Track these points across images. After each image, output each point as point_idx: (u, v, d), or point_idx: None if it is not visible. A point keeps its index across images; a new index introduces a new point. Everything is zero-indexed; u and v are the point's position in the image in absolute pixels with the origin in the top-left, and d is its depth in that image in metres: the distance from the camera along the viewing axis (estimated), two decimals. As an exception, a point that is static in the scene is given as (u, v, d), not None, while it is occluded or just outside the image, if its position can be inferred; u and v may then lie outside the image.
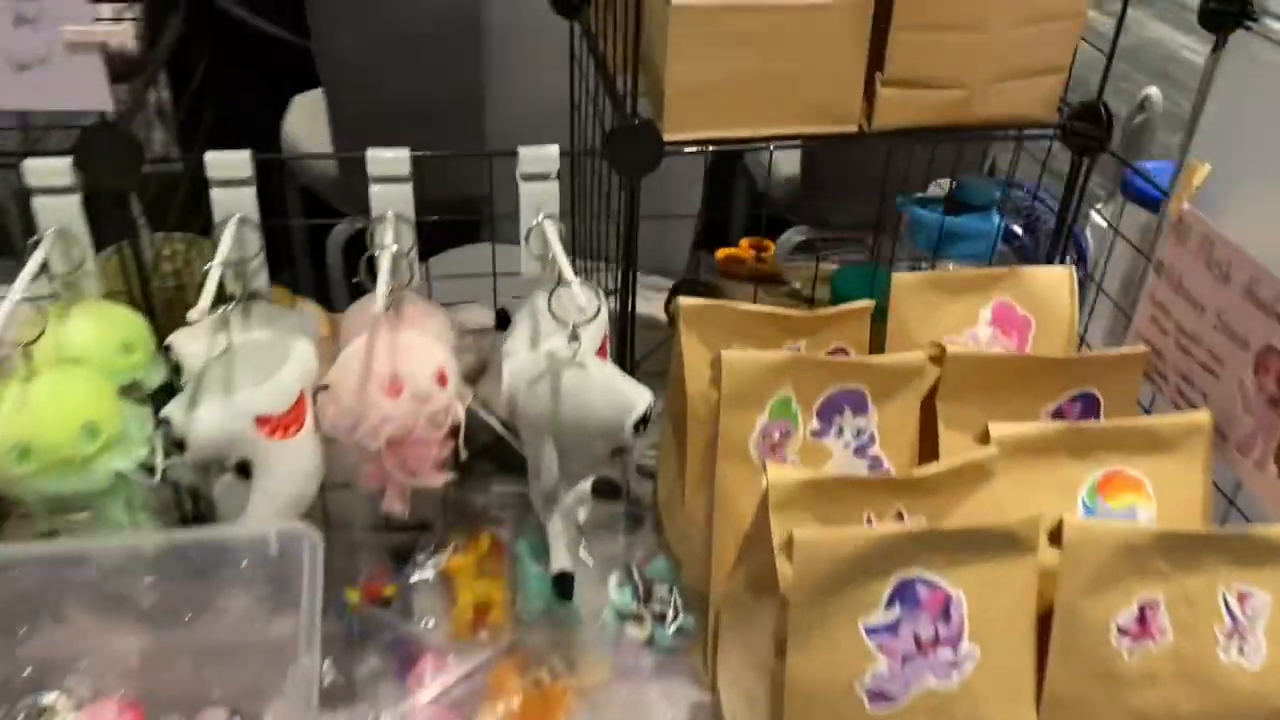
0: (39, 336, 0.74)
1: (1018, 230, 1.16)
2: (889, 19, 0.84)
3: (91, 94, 0.77)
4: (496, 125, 1.89)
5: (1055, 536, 0.69)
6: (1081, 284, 0.96)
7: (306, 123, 2.14)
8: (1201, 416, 0.79)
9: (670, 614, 0.91)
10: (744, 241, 1.40)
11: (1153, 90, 1.33)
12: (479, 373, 0.94)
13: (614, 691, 0.87)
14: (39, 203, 0.80)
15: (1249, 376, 0.76)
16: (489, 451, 0.95)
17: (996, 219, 1.00)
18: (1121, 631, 0.68)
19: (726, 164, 2.12)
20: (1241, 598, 0.69)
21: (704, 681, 0.86)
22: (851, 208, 1.18)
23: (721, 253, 1.41)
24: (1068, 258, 0.99)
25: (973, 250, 0.99)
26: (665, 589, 0.94)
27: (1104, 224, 1.14)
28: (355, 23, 2.14)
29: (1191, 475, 0.78)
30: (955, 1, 0.84)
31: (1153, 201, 1.02)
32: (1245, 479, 0.78)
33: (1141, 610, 0.68)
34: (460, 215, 1.00)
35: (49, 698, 0.77)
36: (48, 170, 0.79)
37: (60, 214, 0.80)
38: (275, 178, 1.77)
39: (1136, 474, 0.78)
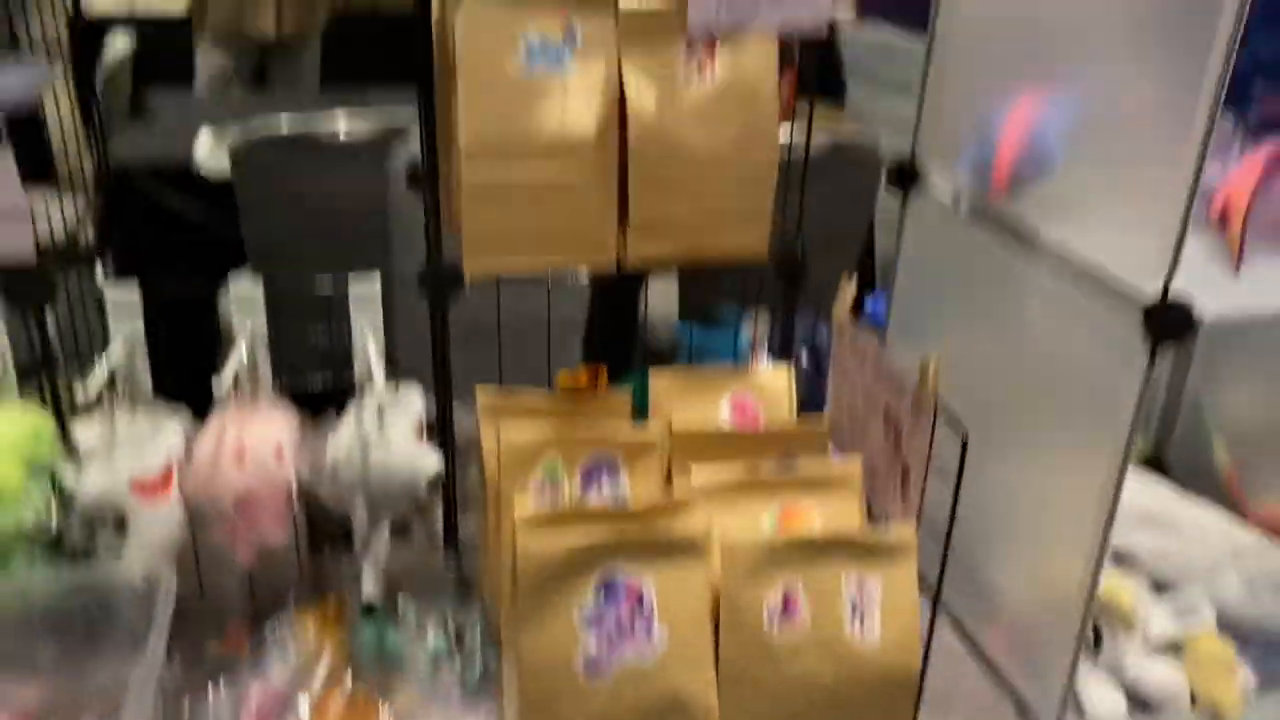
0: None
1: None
2: (627, 181, 1.14)
3: (18, 247, 1.04)
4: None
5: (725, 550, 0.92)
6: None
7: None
8: (853, 465, 1.04)
9: (477, 654, 1.13)
10: (582, 367, 1.66)
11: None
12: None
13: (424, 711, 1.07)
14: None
15: (880, 432, 1.02)
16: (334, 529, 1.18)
17: (739, 335, 1.28)
18: (771, 614, 0.91)
19: (623, 335, 2.42)
20: (859, 585, 0.92)
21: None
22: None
23: (561, 374, 1.66)
24: (793, 361, 1.26)
25: (719, 357, 1.27)
26: (474, 637, 1.15)
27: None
28: (279, 205, 2.47)
29: (849, 510, 1.03)
30: (674, 167, 1.14)
31: (872, 321, 1.31)
32: (886, 509, 1.03)
33: (785, 597, 0.92)
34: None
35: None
36: (-16, 301, 1.04)
37: (-8, 335, 1.06)
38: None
39: (810, 509, 1.03)
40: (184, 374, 1.19)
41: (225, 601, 1.16)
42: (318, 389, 1.33)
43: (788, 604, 0.92)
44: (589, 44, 1.12)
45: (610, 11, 1.13)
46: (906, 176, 1.27)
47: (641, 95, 1.12)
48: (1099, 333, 0.97)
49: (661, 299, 2.41)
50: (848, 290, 1.10)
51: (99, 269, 2.27)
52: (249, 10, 4.29)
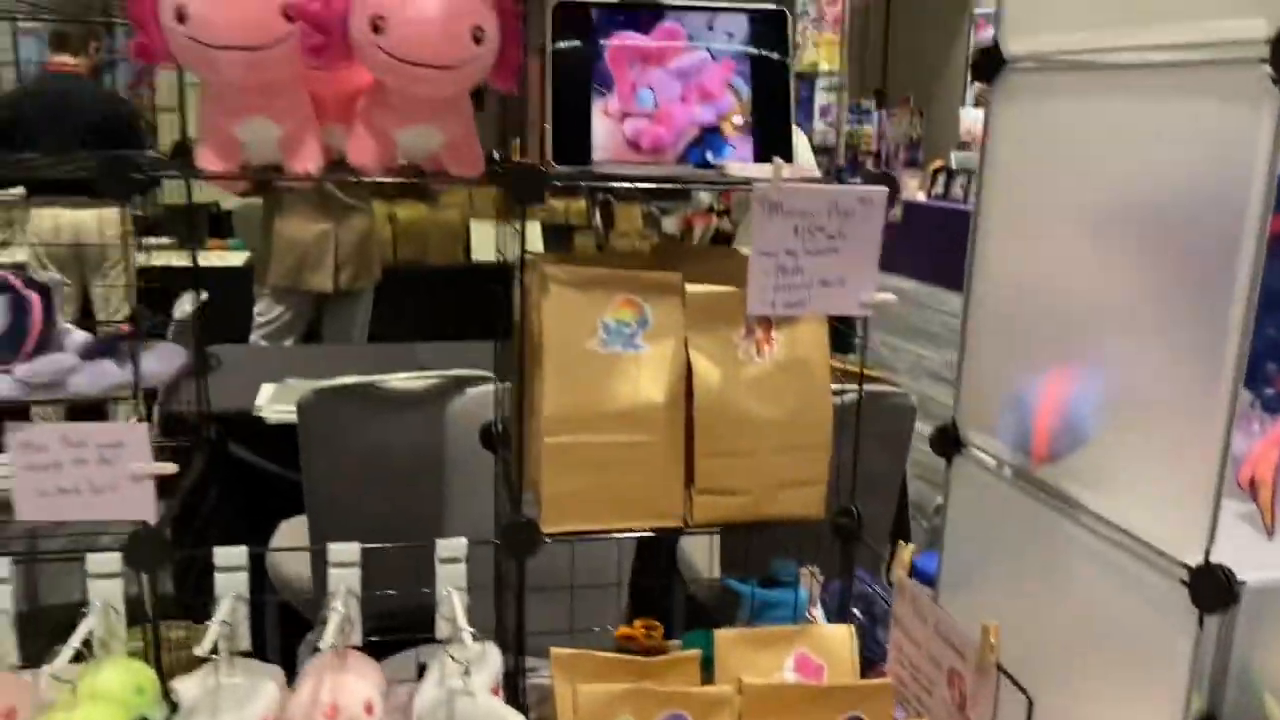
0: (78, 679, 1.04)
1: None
2: (693, 449, 1.24)
3: (144, 509, 1.14)
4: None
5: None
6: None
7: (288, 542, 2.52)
8: (922, 724, 1.08)
9: None
10: (638, 623, 1.71)
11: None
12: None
13: None
14: (92, 585, 1.14)
15: (945, 691, 1.07)
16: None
17: (800, 593, 1.34)
18: None
19: (666, 578, 2.48)
20: None
21: None
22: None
23: (620, 631, 1.71)
24: (850, 621, 1.31)
25: (780, 618, 1.32)
26: None
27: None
28: (339, 457, 2.59)
29: (918, 770, 1.06)
30: (736, 436, 1.24)
31: (922, 577, 1.37)
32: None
33: None
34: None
35: None
36: (104, 561, 1.13)
37: (107, 593, 1.14)
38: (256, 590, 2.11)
39: (879, 770, 1.05)
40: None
41: None
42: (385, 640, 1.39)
43: None
44: (658, 326, 1.26)
45: (677, 298, 1.27)
46: (949, 441, 1.36)
47: (707, 371, 1.24)
48: (1148, 597, 1.03)
49: (699, 552, 2.48)
50: (905, 552, 1.17)
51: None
52: (309, 268, 4.60)
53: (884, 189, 1.21)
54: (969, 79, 9.64)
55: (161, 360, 1.17)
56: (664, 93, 1.36)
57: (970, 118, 8.54)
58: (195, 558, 1.20)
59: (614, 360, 1.24)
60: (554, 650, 1.20)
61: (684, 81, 1.37)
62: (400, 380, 2.61)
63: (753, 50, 1.37)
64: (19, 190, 4.93)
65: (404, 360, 3.28)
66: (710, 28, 1.38)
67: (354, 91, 1.25)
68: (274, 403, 2.77)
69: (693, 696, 1.14)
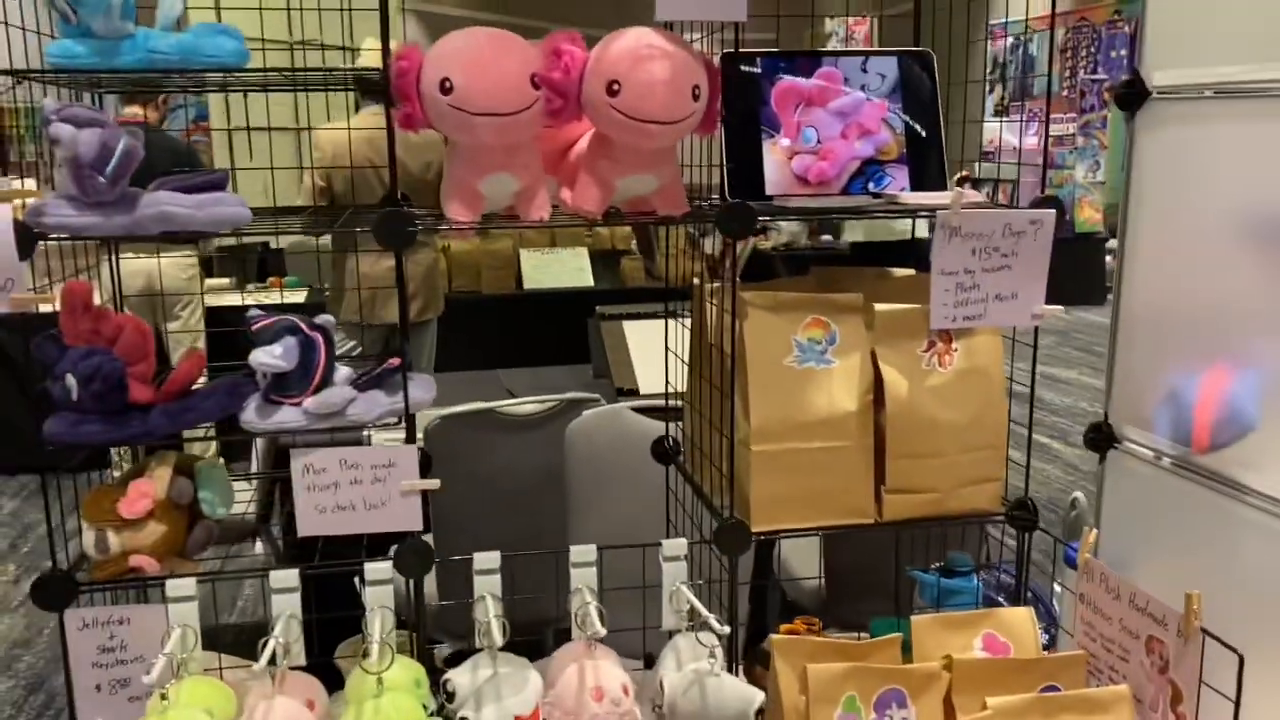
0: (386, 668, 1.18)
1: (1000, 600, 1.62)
2: (884, 452, 1.38)
3: (412, 521, 1.28)
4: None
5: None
6: (1053, 638, 1.41)
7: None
8: (1124, 689, 1.21)
9: None
10: (799, 620, 1.84)
11: (1079, 494, 1.86)
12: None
13: None
14: (370, 592, 1.28)
15: (1144, 657, 1.20)
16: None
17: (977, 581, 1.47)
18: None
19: (760, 578, 2.61)
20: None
21: None
22: (863, 606, 1.65)
23: (784, 628, 1.84)
24: (1026, 604, 1.45)
25: (963, 603, 1.46)
26: None
27: (1064, 590, 1.61)
28: (463, 479, 2.73)
29: (1125, 727, 1.19)
30: (923, 439, 1.38)
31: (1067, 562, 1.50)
32: (1160, 728, 1.19)
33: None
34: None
35: None
36: (380, 570, 1.28)
37: (383, 598, 1.28)
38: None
39: (1089, 729, 1.19)
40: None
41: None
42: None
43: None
44: (845, 342, 1.40)
45: (859, 317, 1.41)
46: (1103, 438, 1.50)
47: (895, 381, 1.38)
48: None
49: (795, 556, 2.62)
50: (1091, 537, 1.30)
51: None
52: (381, 301, 4.76)
53: (1053, 211, 1.35)
54: (987, 89, 9.85)
55: (421, 389, 1.32)
56: (826, 130, 1.51)
57: (991, 129, 8.72)
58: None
59: (808, 375, 1.38)
60: (774, 636, 1.33)
61: (844, 120, 1.52)
62: (518, 405, 2.75)
63: (903, 88, 1.51)
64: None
65: (491, 385, 3.43)
66: (864, 69, 1.53)
67: (564, 146, 1.41)
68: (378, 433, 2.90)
69: (909, 673, 1.27)
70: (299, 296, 5.73)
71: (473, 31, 1.25)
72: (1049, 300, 1.39)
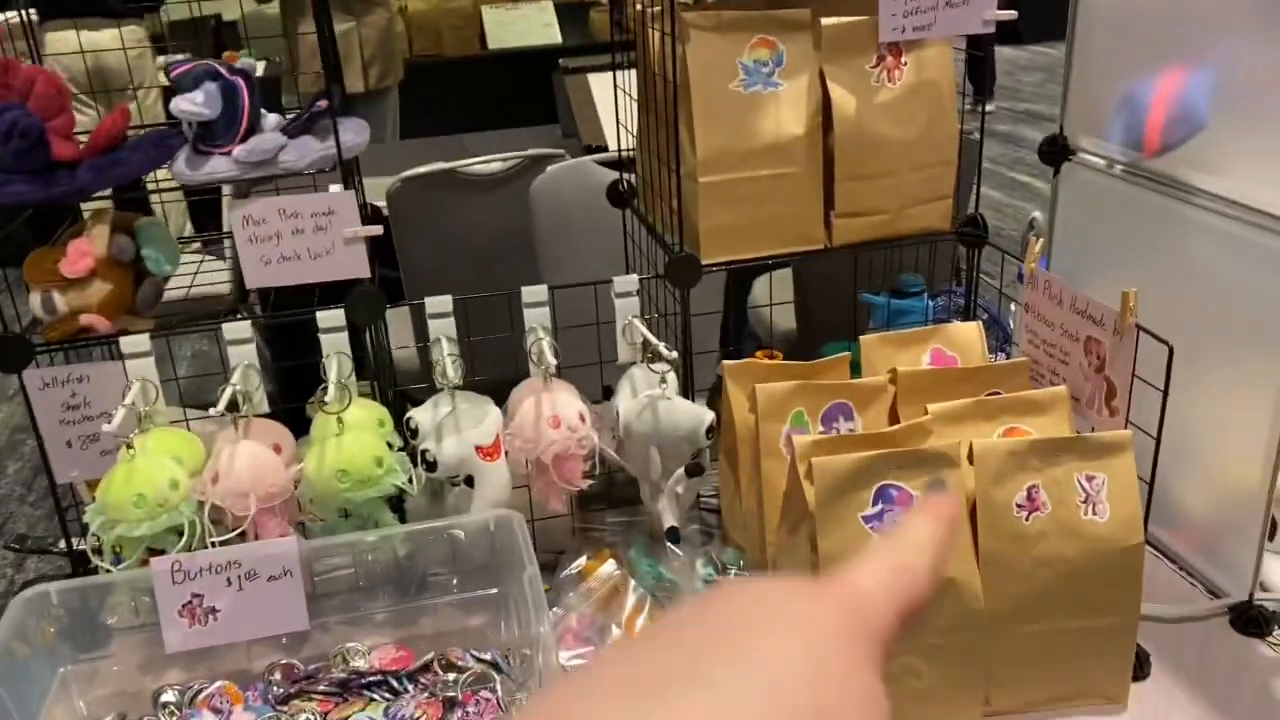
0: (344, 408, 1.21)
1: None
2: (833, 175, 1.37)
3: (359, 268, 1.28)
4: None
5: (970, 458, 1.14)
6: (1008, 355, 1.43)
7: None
8: (1062, 389, 1.24)
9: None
10: (759, 352, 1.88)
11: (1036, 214, 1.85)
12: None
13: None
14: (325, 339, 1.29)
15: (1083, 358, 1.23)
16: (600, 495, 1.41)
17: (927, 302, 1.49)
18: (1019, 507, 1.12)
19: (739, 321, 2.66)
20: (1089, 478, 1.13)
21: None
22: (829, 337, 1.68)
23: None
24: (977, 318, 1.47)
25: (912, 322, 1.48)
26: (735, 566, 1.37)
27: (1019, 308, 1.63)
28: (428, 241, 2.72)
29: (1060, 426, 1.23)
30: (872, 159, 1.36)
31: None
32: (1091, 421, 1.24)
33: (1028, 491, 1.12)
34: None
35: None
36: (332, 318, 1.29)
37: (338, 345, 1.30)
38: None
39: (1027, 428, 1.23)
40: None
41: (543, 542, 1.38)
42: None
43: (1031, 498, 1.13)
44: (793, 62, 1.35)
45: (808, 35, 1.35)
46: (1058, 149, 1.48)
47: (844, 100, 1.35)
48: (1264, 261, 1.17)
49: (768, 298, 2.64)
50: (1036, 246, 1.31)
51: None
52: (340, 69, 4.58)
53: (1006, -94, 1.27)
54: None
55: (354, 133, 1.28)
56: None
57: None
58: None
59: (755, 99, 1.34)
60: (725, 362, 1.36)
61: None
62: (481, 164, 2.70)
63: None
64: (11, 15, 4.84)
65: (455, 151, 3.36)
66: None
67: None
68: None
69: (853, 387, 1.31)
70: (259, 69, 5.51)
71: None
72: (1003, 5, 1.33)
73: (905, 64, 1.36)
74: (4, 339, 1.22)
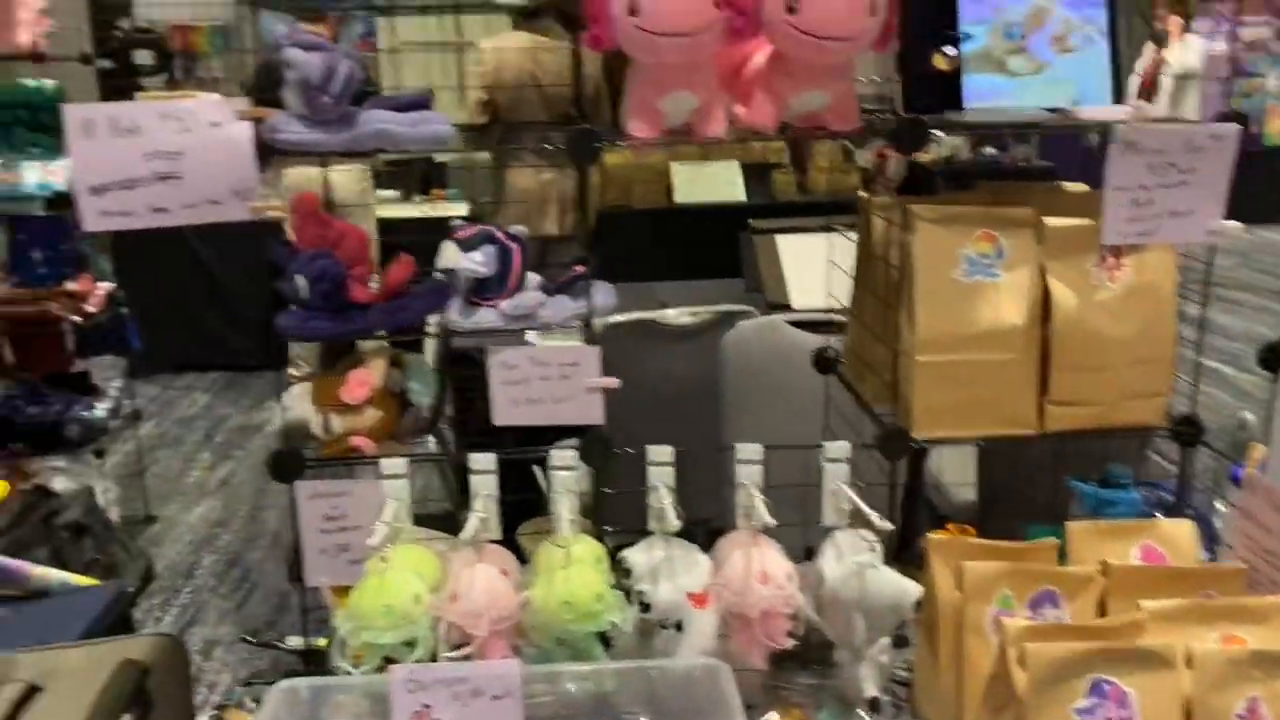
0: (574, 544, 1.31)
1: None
2: (1049, 364, 1.42)
3: (595, 414, 1.40)
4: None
5: (1189, 662, 1.13)
6: (1214, 557, 1.43)
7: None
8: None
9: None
10: (952, 526, 1.90)
11: (1248, 414, 1.83)
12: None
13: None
14: (555, 477, 1.41)
15: (1307, 570, 1.22)
16: (793, 654, 1.45)
17: (1136, 494, 1.50)
18: (1239, 718, 1.11)
19: (911, 492, 2.67)
20: (1315, 696, 1.11)
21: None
22: (1016, 521, 1.69)
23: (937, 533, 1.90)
24: (1187, 516, 1.47)
25: (1119, 514, 1.49)
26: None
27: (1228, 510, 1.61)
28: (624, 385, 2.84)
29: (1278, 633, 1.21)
30: (1090, 353, 1.41)
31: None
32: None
33: (1249, 703, 1.11)
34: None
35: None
36: (565, 458, 1.40)
37: (568, 483, 1.40)
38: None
39: (1245, 637, 1.22)
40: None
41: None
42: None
43: (1253, 709, 1.11)
44: (1014, 256, 1.43)
45: (1030, 231, 1.43)
46: (1276, 358, 1.49)
47: (1064, 296, 1.41)
48: None
49: (950, 466, 2.65)
50: (1256, 452, 1.31)
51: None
52: (536, 214, 4.91)
53: (1235, 126, 1.33)
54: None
55: (604, 295, 1.42)
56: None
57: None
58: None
59: (975, 288, 1.42)
60: (930, 536, 1.40)
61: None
62: (676, 315, 2.86)
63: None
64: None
65: (646, 298, 3.54)
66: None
67: (739, 64, 1.46)
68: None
69: (1064, 575, 1.32)
70: (460, 209, 5.95)
71: (658, -46, 1.31)
72: (1229, 217, 1.38)
73: (1126, 265, 1.41)
74: (282, 453, 1.38)
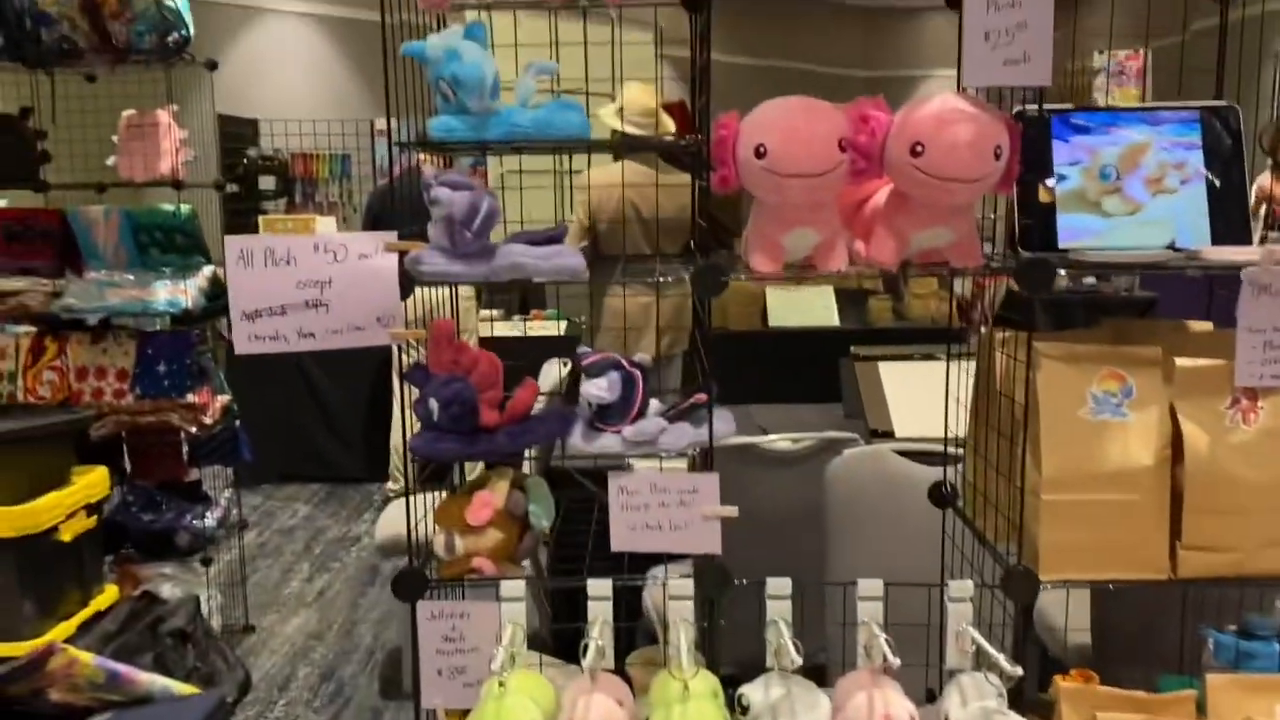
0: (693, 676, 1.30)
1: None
2: (1182, 507, 1.38)
3: (712, 543, 1.40)
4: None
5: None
6: None
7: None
8: None
9: None
10: (1075, 672, 1.82)
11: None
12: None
13: None
14: (671, 606, 1.40)
15: None
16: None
17: (1277, 647, 1.43)
18: None
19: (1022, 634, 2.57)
20: None
21: None
22: (1136, 667, 1.62)
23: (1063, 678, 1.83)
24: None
25: (1259, 668, 1.41)
26: None
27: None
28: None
29: None
30: (1224, 496, 1.36)
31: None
32: None
33: None
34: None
35: None
36: (681, 586, 1.39)
37: (684, 611, 1.40)
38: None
39: None
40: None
41: None
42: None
43: None
44: (1142, 395, 1.40)
45: (1158, 370, 1.41)
46: None
47: (1196, 437, 1.37)
48: None
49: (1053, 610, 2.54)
50: None
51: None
52: (634, 338, 5.00)
53: (1375, 269, 1.31)
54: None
55: (724, 422, 1.44)
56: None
57: None
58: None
59: (1102, 427, 1.40)
60: (1061, 683, 1.35)
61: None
62: (778, 441, 2.85)
63: (1205, 142, 1.50)
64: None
65: (744, 422, 3.54)
66: (1158, 124, 1.53)
67: (860, 200, 1.50)
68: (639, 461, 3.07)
69: (1205, 731, 1.26)
70: (560, 328, 6.12)
71: (786, 101, 1.36)
72: (1370, 360, 1.34)
73: (1262, 408, 1.38)
74: (407, 573, 1.40)
